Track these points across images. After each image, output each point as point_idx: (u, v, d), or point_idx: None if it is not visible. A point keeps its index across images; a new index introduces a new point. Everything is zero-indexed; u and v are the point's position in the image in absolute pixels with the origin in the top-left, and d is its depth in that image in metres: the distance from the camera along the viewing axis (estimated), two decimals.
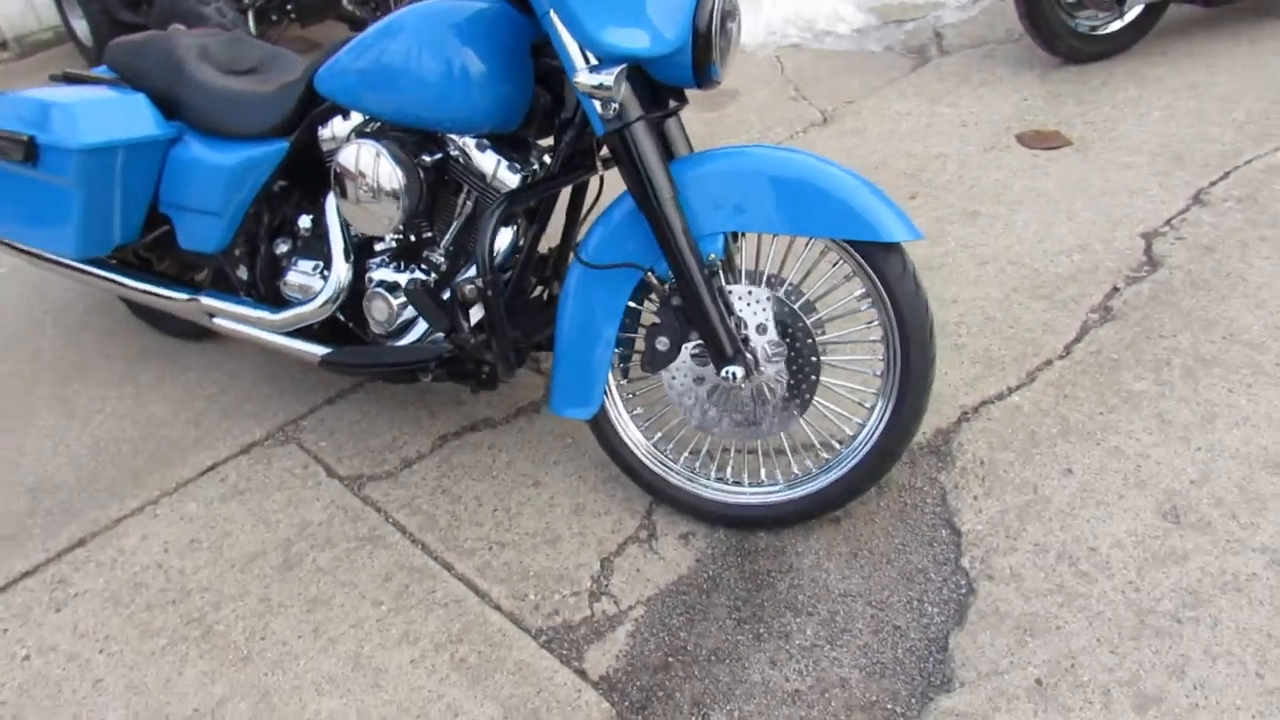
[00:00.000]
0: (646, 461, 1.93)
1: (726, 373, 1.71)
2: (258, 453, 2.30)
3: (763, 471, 1.91)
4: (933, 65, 3.94)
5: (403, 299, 1.98)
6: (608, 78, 1.53)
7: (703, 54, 1.60)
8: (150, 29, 4.09)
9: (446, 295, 1.90)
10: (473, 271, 1.87)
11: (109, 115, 2.14)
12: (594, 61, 1.57)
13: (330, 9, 4.20)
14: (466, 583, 1.89)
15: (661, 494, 1.94)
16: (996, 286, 2.51)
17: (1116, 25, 3.66)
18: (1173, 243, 2.57)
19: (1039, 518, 1.85)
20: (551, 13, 1.55)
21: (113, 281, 2.43)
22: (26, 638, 1.89)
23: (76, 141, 2.08)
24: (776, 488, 1.88)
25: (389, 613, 1.85)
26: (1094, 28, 3.65)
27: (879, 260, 1.67)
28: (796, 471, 1.88)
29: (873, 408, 1.79)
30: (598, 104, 1.61)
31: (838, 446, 1.86)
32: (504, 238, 1.93)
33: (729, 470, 1.94)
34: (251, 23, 3.99)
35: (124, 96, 2.20)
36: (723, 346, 1.71)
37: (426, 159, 1.90)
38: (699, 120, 3.73)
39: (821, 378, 1.77)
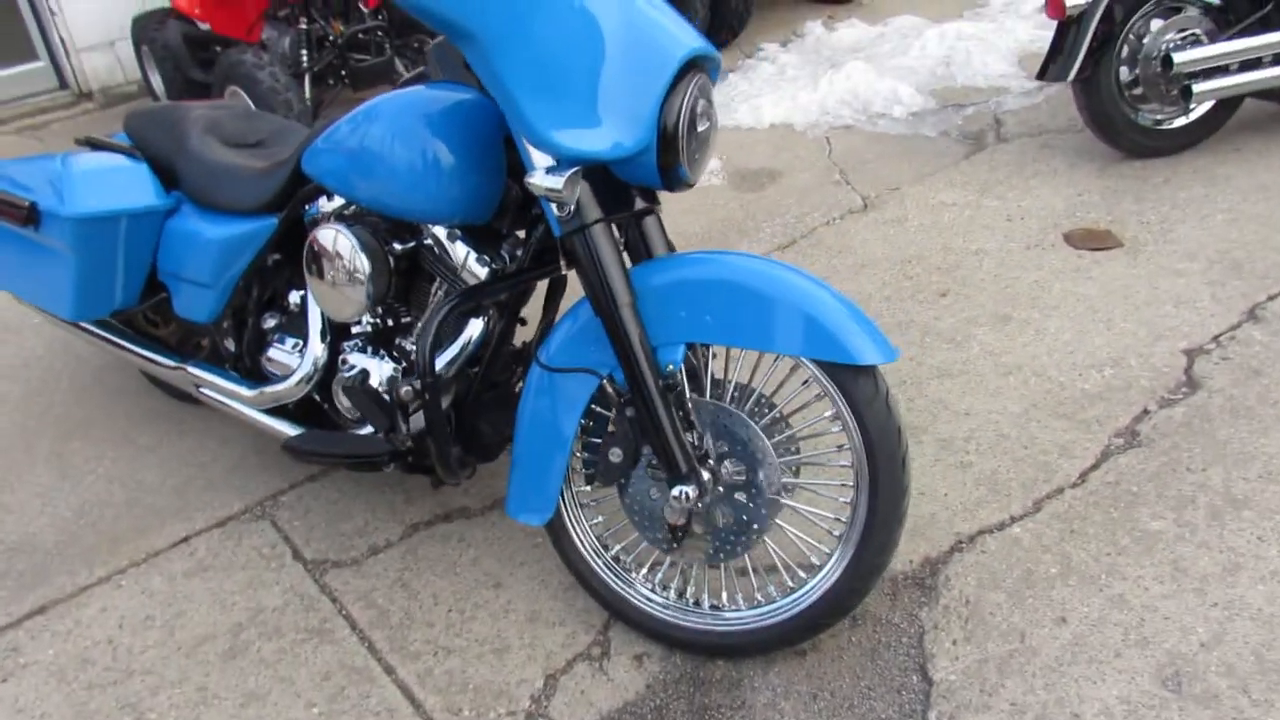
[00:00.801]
0: (602, 574, 1.82)
1: (679, 492, 1.60)
2: (231, 527, 2.27)
3: (724, 594, 1.78)
4: (987, 153, 3.79)
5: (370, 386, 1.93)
6: (557, 181, 1.47)
7: (668, 156, 1.51)
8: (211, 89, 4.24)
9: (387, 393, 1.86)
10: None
11: (108, 184, 2.17)
12: (552, 161, 1.51)
13: (383, 75, 4.28)
14: (404, 691, 1.79)
15: (615, 610, 1.83)
16: (1016, 400, 2.34)
17: (1183, 120, 3.46)
18: (1217, 362, 2.37)
19: (1021, 672, 1.67)
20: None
21: (108, 341, 2.46)
22: None
23: (73, 210, 2.11)
24: (736, 614, 1.74)
25: (319, 716, 1.77)
26: (1159, 122, 3.46)
27: (848, 382, 1.55)
28: (759, 598, 1.74)
29: (840, 537, 1.65)
30: (554, 205, 1.54)
31: (802, 575, 1.72)
32: (474, 329, 1.87)
33: (689, 589, 1.81)
34: (307, 87, 4.09)
35: (128, 166, 2.23)
36: (675, 463, 1.60)
37: (398, 246, 1.86)
38: (737, 201, 3.65)
39: (788, 500, 1.65)
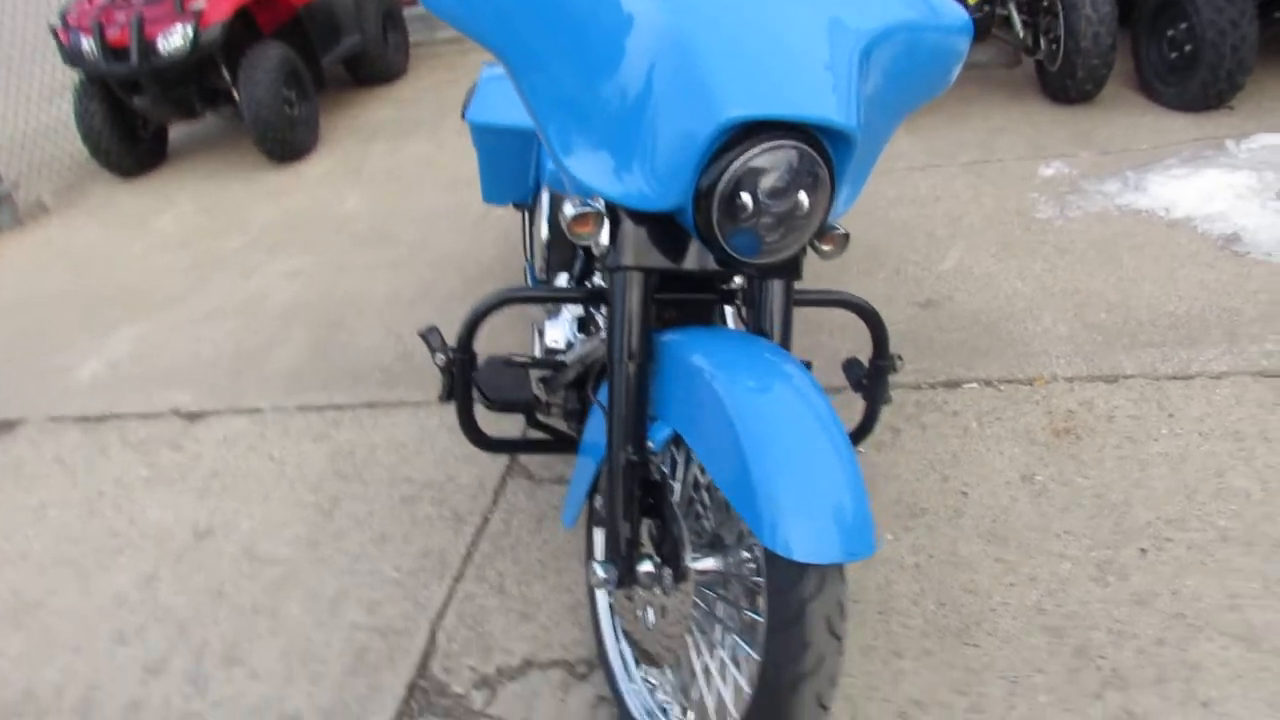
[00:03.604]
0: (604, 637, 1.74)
1: (593, 567, 1.43)
2: None
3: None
4: None
5: None
6: (573, 211, 1.36)
7: (704, 221, 1.27)
8: None
9: None
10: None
11: (501, 100, 2.44)
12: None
13: None
14: None
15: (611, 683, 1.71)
16: None
17: None
18: None
19: None
20: None
21: None
22: None
23: (470, 117, 2.49)
24: None
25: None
26: None
27: (776, 566, 1.22)
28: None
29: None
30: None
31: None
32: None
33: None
34: None
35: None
36: (614, 542, 1.43)
37: None
38: None
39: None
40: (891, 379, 2.08)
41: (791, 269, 1.46)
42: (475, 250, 3.54)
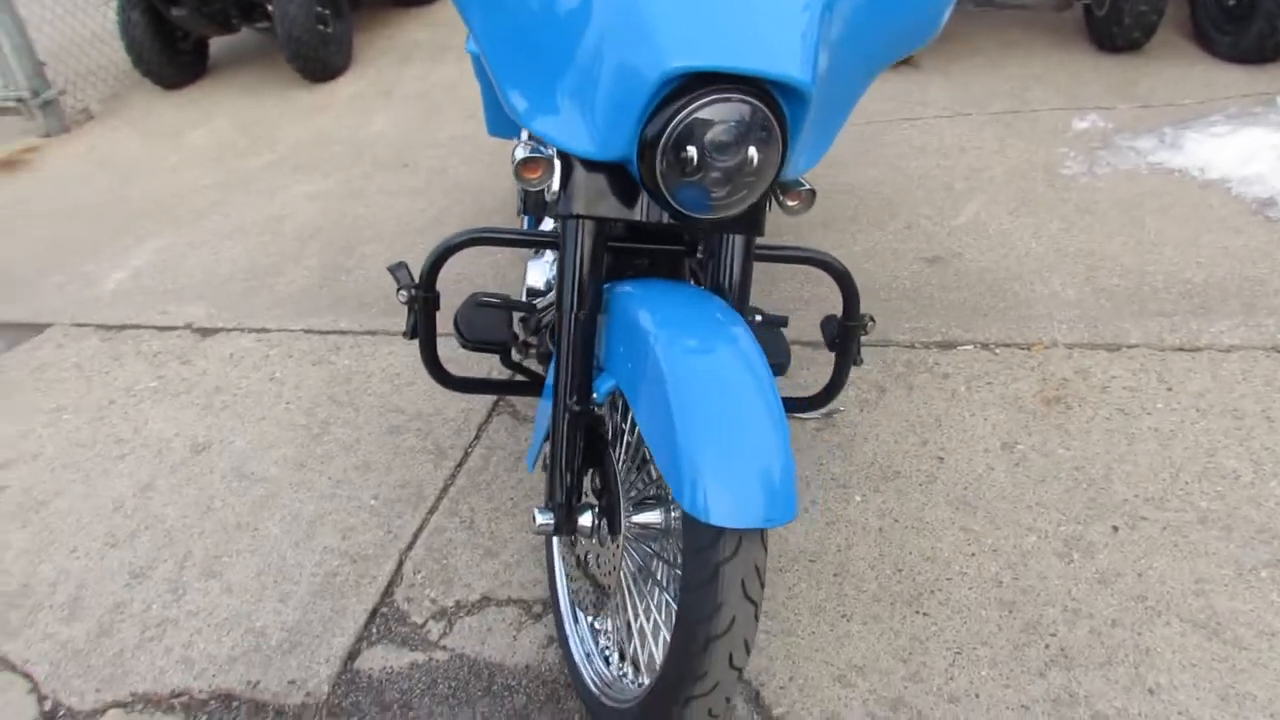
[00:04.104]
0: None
1: (540, 515, 1.45)
2: None
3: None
4: None
5: None
6: (522, 152, 1.33)
7: (649, 173, 1.24)
8: None
9: None
10: None
11: None
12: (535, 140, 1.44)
13: None
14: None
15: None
16: None
17: None
18: None
19: None
20: None
21: None
22: None
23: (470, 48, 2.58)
24: (622, 683, 1.55)
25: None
26: None
27: (693, 527, 1.22)
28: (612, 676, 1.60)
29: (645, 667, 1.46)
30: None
31: (630, 674, 1.56)
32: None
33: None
34: None
35: None
36: (555, 489, 1.45)
37: None
38: None
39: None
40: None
41: (750, 224, 1.42)
42: (492, 181, 3.53)
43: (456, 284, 2.79)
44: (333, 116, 4.40)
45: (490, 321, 1.87)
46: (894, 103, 3.62)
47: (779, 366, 1.82)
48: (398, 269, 1.71)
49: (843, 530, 1.88)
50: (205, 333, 2.83)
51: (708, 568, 1.21)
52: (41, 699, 1.74)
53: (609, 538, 1.49)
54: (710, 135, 1.21)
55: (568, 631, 1.68)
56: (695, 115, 1.19)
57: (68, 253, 3.45)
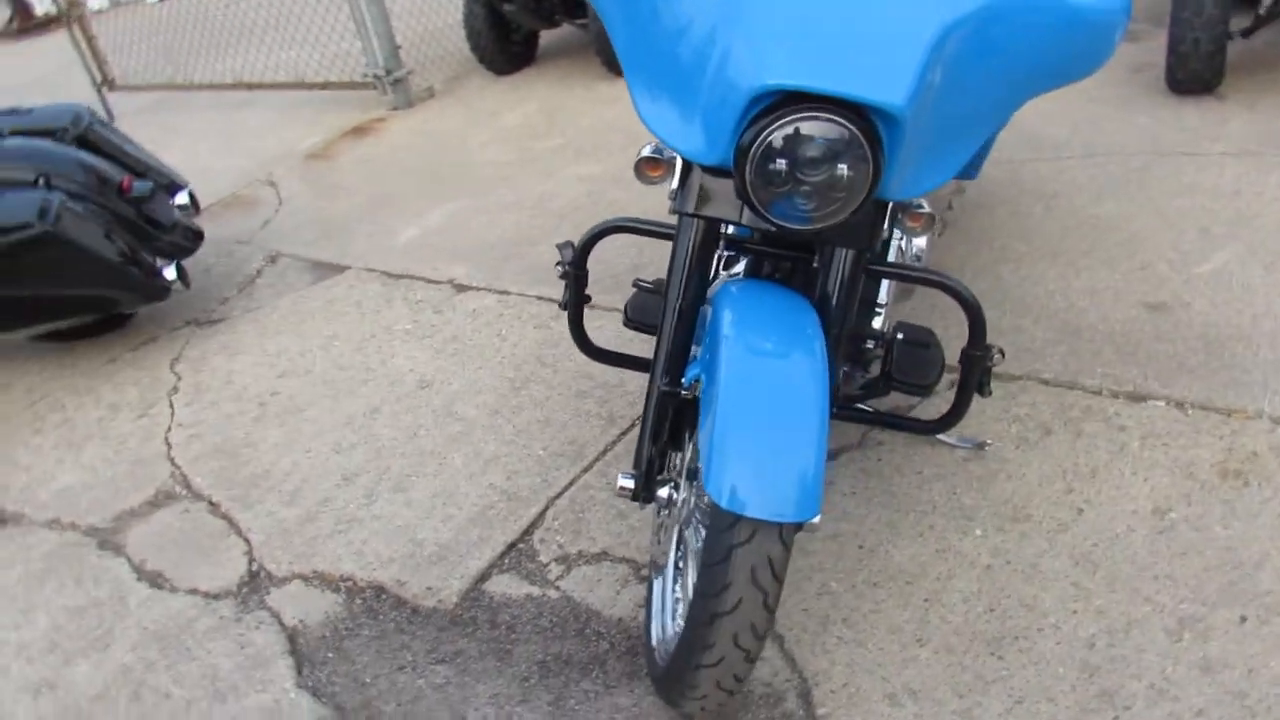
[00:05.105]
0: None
1: (622, 477, 1.63)
2: None
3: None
4: None
5: None
6: (646, 151, 1.49)
7: (740, 183, 1.32)
8: None
9: None
10: None
11: None
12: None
13: None
14: None
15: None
16: None
17: None
18: None
19: None
20: None
21: None
22: None
23: None
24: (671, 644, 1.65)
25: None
26: None
27: (715, 508, 1.32)
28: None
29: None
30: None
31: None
32: None
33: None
34: None
35: None
36: (638, 458, 1.63)
37: None
38: None
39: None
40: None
41: (856, 239, 1.48)
42: None
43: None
44: (623, 107, 4.76)
45: (647, 304, 2.05)
46: (1183, 134, 3.32)
47: (917, 387, 1.84)
48: (563, 247, 1.93)
49: (950, 560, 1.86)
50: (461, 289, 3.24)
51: (722, 549, 1.32)
52: (251, 560, 2.18)
53: (679, 514, 1.63)
54: (800, 150, 1.28)
55: (654, 592, 1.83)
56: (784, 130, 1.27)
57: (381, 207, 4.07)
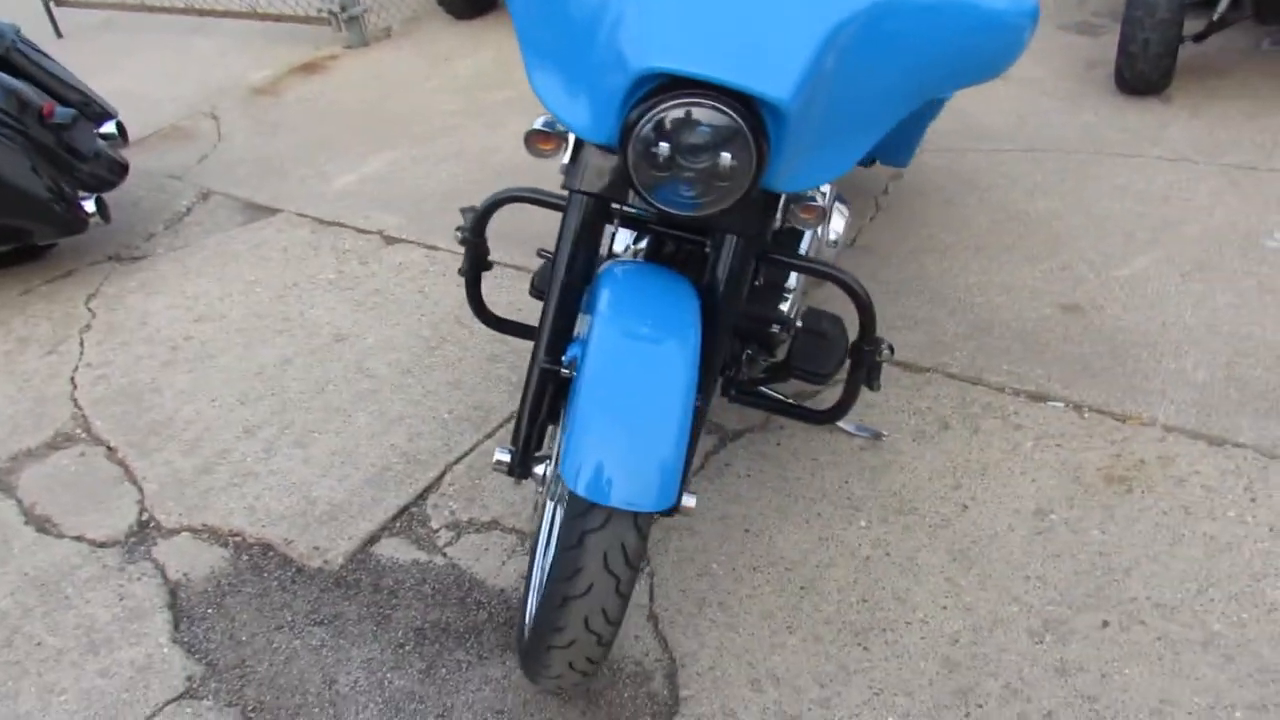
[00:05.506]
0: None
1: (498, 451, 1.59)
2: None
3: None
4: None
5: None
6: (536, 123, 1.50)
7: (623, 164, 1.31)
8: None
9: None
10: None
11: None
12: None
13: None
14: None
15: None
16: None
17: None
18: None
19: None
20: None
21: None
22: None
23: None
24: None
25: None
26: None
27: (572, 495, 1.31)
28: None
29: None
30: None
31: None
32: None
33: None
34: None
35: None
36: (516, 433, 1.60)
37: None
38: None
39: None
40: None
41: (745, 228, 1.47)
42: None
43: None
44: None
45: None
46: (1124, 135, 3.33)
47: (813, 375, 1.85)
48: (466, 211, 1.90)
49: (831, 549, 1.88)
50: (390, 241, 3.19)
51: (575, 533, 1.32)
52: (142, 510, 2.15)
53: (553, 492, 1.62)
54: (683, 135, 1.27)
55: (533, 566, 1.83)
56: (670, 114, 1.26)
57: (321, 150, 3.98)
